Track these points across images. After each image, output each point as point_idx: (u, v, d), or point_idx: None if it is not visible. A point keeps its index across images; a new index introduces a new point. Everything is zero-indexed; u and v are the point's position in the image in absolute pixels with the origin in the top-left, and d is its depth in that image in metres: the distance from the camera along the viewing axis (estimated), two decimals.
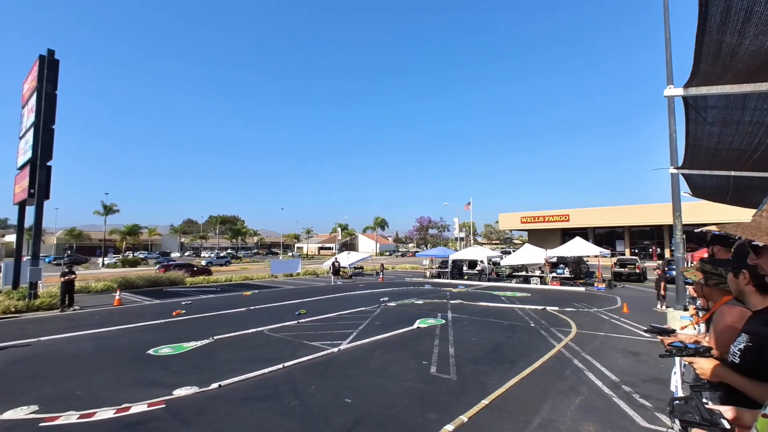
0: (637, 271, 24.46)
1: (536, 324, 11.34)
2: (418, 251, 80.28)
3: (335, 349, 8.55)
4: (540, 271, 24.10)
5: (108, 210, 54.68)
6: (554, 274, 22.69)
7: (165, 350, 8.62)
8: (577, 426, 4.87)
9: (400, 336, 9.96)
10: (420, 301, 16.13)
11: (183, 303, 16.12)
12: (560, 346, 8.74)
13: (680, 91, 2.76)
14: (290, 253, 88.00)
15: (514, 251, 34.26)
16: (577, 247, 22.56)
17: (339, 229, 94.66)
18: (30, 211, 17.03)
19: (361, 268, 34.64)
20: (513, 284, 22.99)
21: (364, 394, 6.00)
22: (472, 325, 11.30)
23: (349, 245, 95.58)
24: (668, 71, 8.47)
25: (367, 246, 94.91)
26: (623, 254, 43.96)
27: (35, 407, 5.57)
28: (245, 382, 6.58)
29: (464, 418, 5.07)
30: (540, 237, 50.13)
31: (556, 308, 14.00)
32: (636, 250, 46.48)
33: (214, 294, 19.44)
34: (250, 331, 10.56)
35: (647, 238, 47.59)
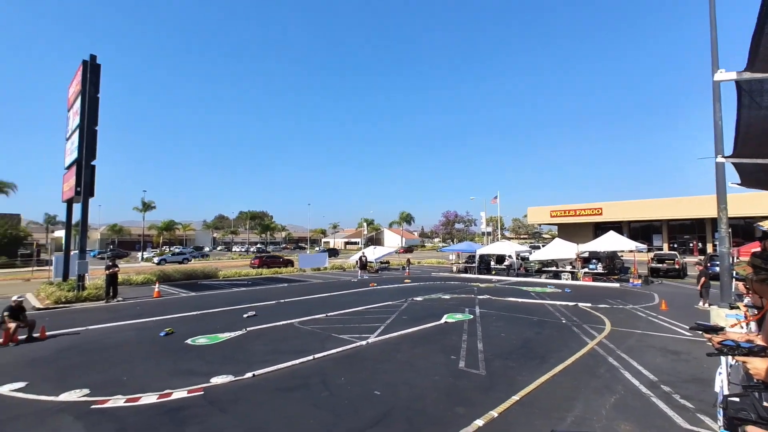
0: (677, 266, 23.27)
1: (567, 320, 11.04)
2: (441, 246, 79.51)
3: (363, 342, 8.66)
4: (571, 267, 23.38)
5: (146, 207, 57.37)
6: (586, 270, 21.98)
7: (201, 340, 9.01)
8: (612, 425, 4.73)
9: (428, 330, 9.96)
10: (447, 296, 16.04)
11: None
12: (593, 344, 8.48)
13: (733, 75, 2.58)
14: (317, 248, 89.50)
15: (543, 246, 33.40)
16: (610, 242, 21.70)
17: (365, 224, 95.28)
18: (77, 208, 18.12)
19: (387, 262, 34.77)
20: (542, 279, 22.45)
21: (392, 387, 6.06)
22: (501, 320, 11.14)
23: (375, 240, 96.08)
24: (714, 56, 7.97)
25: (392, 241, 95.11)
26: (661, 249, 41.94)
27: (86, 390, 5.97)
28: (277, 372, 6.78)
29: (494, 413, 5.03)
30: (571, 231, 48.50)
31: (589, 304, 13.57)
32: (675, 245, 44.20)
33: (248, 287, 20.06)
34: (280, 323, 10.85)
35: (687, 233, 45.16)
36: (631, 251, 21.67)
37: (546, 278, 22.88)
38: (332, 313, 12.24)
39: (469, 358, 7.45)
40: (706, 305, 12.91)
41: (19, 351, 8.47)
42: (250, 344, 8.73)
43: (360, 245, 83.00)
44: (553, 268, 24.38)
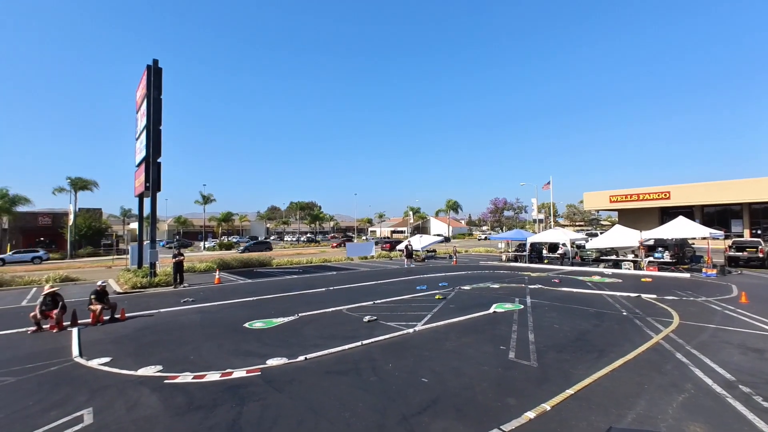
0: (760, 255, 20.79)
1: (629, 312, 10.33)
2: (490, 234, 77.30)
3: (410, 330, 8.72)
4: (633, 255, 21.75)
5: (206, 200, 61.65)
6: (651, 259, 20.32)
7: (258, 324, 9.57)
8: (680, 425, 4.38)
9: (476, 320, 9.80)
10: (496, 285, 15.64)
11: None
12: (659, 338, 7.87)
13: None
14: (364, 237, 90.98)
15: (601, 233, 31.34)
16: (680, 228, 19.83)
17: (411, 213, 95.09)
18: (147, 202, 19.83)
19: (434, 251, 34.54)
20: (600, 269, 21.12)
21: (440, 375, 6.06)
22: (554, 311, 10.67)
23: (421, 228, 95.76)
24: None
25: (439, 229, 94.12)
26: (741, 236, 37.68)
27: (160, 367, 6.60)
28: (327, 356, 7.04)
29: (547, 406, 4.86)
30: (633, 217, 44.92)
31: (654, 296, 12.58)
32: (759, 231, 39.47)
33: (300, 275, 20.95)
34: (330, 309, 11.23)
35: None
36: (704, 238, 19.66)
37: (604, 268, 21.51)
38: (379, 301, 12.43)
39: (519, 349, 7.24)
40: None
41: (104, 330, 9.54)
42: (302, 329, 9.13)
43: (406, 234, 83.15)
44: (613, 257, 22.84)
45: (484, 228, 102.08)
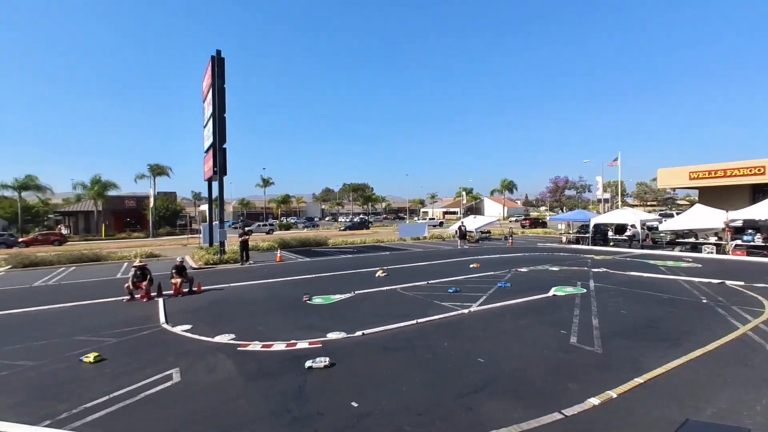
0: None
1: (710, 300, 9.40)
2: (549, 215, 73.25)
3: (465, 311, 8.70)
4: (717, 238, 19.56)
5: (266, 183, 65.21)
6: (739, 242, 18.16)
7: (317, 300, 10.10)
8: None
9: (534, 303, 9.51)
10: (555, 268, 14.96)
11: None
12: (746, 329, 7.10)
13: None
14: (416, 218, 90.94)
15: (677, 214, 28.47)
16: None
17: (464, 193, 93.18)
18: (215, 185, 21.40)
19: (488, 232, 33.68)
20: (676, 252, 19.32)
21: (496, 355, 6.01)
22: (621, 296, 10.02)
23: (475, 209, 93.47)
24: None
25: (493, 210, 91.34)
26: None
27: (233, 335, 7.25)
28: (383, 333, 7.27)
29: (612, 393, 4.64)
30: (717, 196, 39.88)
31: (741, 283, 11.29)
32: None
33: (354, 254, 21.60)
34: (384, 288, 11.50)
35: None
36: None
37: (681, 251, 19.62)
38: (433, 281, 12.48)
39: (582, 334, 6.94)
40: None
41: (184, 301, 10.64)
42: (358, 306, 9.48)
43: (459, 215, 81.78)
44: (692, 240, 20.73)
45: (542, 209, 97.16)
